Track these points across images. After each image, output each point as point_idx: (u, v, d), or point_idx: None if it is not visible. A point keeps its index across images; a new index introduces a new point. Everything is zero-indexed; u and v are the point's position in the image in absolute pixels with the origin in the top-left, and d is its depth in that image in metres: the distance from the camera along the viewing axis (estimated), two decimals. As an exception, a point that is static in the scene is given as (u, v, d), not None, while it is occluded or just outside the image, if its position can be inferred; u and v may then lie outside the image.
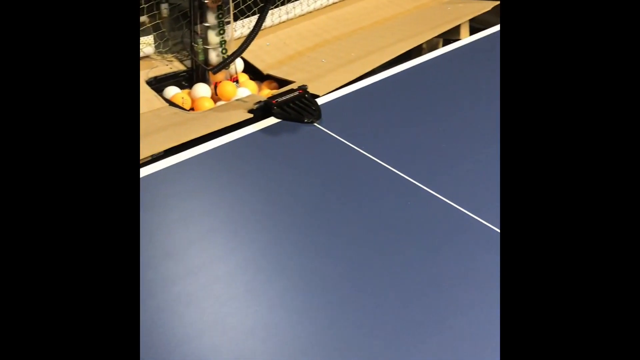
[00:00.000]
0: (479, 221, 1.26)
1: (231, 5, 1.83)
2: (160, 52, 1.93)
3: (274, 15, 2.12)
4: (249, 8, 2.06)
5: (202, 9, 1.78)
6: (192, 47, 1.84)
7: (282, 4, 2.17)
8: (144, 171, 1.40)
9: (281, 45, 2.05)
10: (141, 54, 1.85)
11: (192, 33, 1.81)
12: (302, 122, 1.58)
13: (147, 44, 1.87)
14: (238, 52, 1.78)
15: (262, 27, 2.04)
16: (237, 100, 1.78)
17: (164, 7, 1.89)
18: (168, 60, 1.95)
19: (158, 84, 1.85)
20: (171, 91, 1.84)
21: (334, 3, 2.28)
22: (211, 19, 1.79)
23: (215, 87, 1.85)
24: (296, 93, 1.66)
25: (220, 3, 1.77)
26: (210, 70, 1.82)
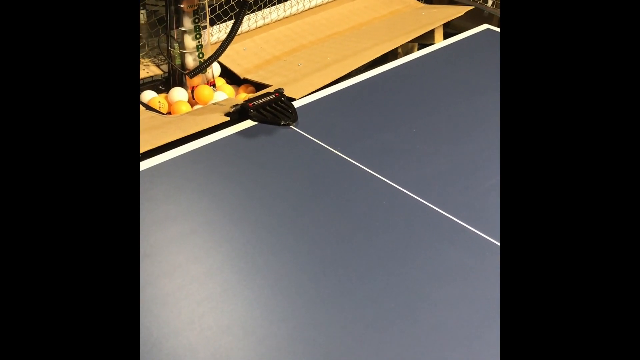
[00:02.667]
0: (452, 220, 1.29)
1: (207, 10, 1.84)
2: (136, 57, 1.93)
3: (251, 20, 2.14)
4: (225, 13, 2.08)
5: (179, 14, 1.79)
6: (168, 52, 1.85)
7: (259, 9, 2.19)
8: (121, 174, 1.40)
9: (258, 50, 2.07)
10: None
11: (169, 37, 1.82)
12: (279, 124, 1.60)
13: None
14: (214, 57, 1.79)
15: (239, 32, 2.05)
16: (213, 103, 1.79)
17: (141, 12, 1.90)
18: (145, 65, 1.95)
19: (135, 88, 1.85)
20: (148, 95, 1.85)
21: (310, 8, 2.31)
22: (187, 23, 1.80)
23: (193, 91, 1.86)
24: (272, 96, 1.67)
25: (196, 8, 1.78)
26: (187, 74, 1.83)
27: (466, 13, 2.30)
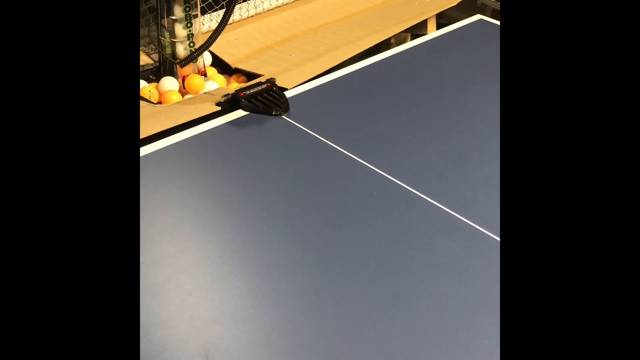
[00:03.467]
0: (444, 210, 1.29)
1: (198, -2, 1.82)
2: (127, 46, 1.91)
3: (242, 10, 2.12)
4: (216, 1, 2.06)
5: (169, 3, 1.77)
6: (159, 41, 1.83)
7: (251, -2, 2.17)
8: (110, 164, 1.39)
9: (249, 39, 2.05)
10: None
11: (159, 26, 1.80)
12: (270, 114, 1.59)
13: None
14: (206, 46, 1.77)
15: (230, 21, 2.03)
16: (204, 93, 1.77)
17: (131, 0, 1.88)
18: (135, 54, 1.93)
19: (125, 77, 1.83)
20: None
21: (302, -3, 2.29)
22: (178, 12, 1.78)
23: (183, 80, 1.84)
24: (264, 86, 1.66)
25: (187, -4, 1.77)
26: (178, 63, 1.81)
27: (459, 3, 2.28)
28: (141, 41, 1.96)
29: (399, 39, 2.24)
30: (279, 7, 2.22)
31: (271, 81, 1.69)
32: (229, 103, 1.62)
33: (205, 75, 1.89)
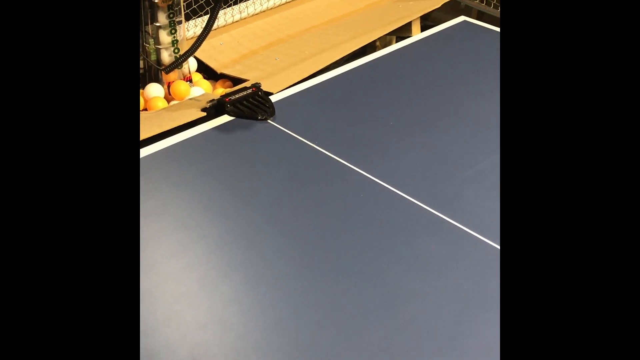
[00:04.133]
0: (430, 211, 1.29)
1: (182, 4, 1.82)
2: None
3: (227, 15, 2.12)
4: (201, 7, 2.06)
5: (153, 9, 1.77)
6: (143, 47, 1.83)
7: (235, 3, 2.17)
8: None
9: (235, 45, 2.05)
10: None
11: (144, 33, 1.80)
12: (256, 119, 1.59)
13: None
14: (190, 52, 1.77)
15: (215, 26, 2.04)
16: (190, 99, 1.77)
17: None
18: (120, 61, 1.93)
19: (110, 84, 1.83)
20: (123, 92, 1.82)
21: (287, 2, 2.30)
22: (162, 18, 1.78)
23: (169, 86, 1.84)
24: (249, 91, 1.66)
25: (170, 2, 1.76)
26: (163, 70, 1.81)
27: (443, 5, 2.30)
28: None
29: (384, 41, 2.25)
30: (263, 11, 2.22)
31: (256, 86, 1.69)
32: (214, 108, 1.62)
33: (190, 81, 1.89)
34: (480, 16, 2.44)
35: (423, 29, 2.22)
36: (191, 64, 1.92)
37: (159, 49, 1.81)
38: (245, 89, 1.68)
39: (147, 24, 1.79)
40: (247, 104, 1.62)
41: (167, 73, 1.81)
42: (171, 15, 1.78)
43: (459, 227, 1.25)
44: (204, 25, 1.75)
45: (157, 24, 1.78)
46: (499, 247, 1.20)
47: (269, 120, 1.59)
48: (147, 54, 1.83)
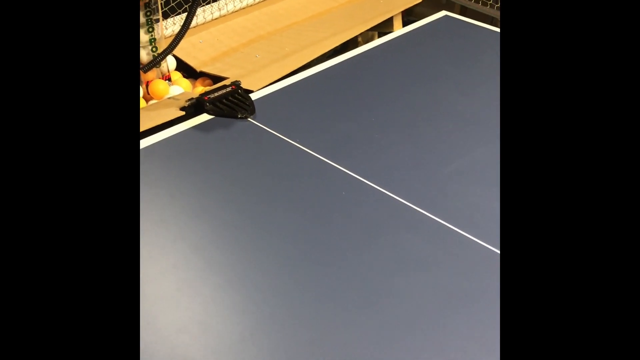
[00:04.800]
0: (412, 208, 1.28)
1: (160, 2, 1.79)
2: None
3: (206, 12, 2.10)
4: (179, 5, 2.03)
5: (130, 7, 1.74)
6: (121, 46, 1.80)
7: (214, 0, 2.15)
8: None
9: (214, 42, 2.03)
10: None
11: (121, 31, 1.77)
12: (236, 117, 1.57)
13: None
14: (168, 50, 1.74)
15: (195, 24, 2.01)
16: (169, 98, 1.75)
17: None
18: (97, 60, 1.90)
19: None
20: (101, 92, 1.79)
21: (267, -1, 2.27)
22: (139, 17, 1.75)
23: (147, 86, 1.81)
24: (229, 89, 1.64)
25: (147, 1, 1.73)
26: (141, 69, 1.78)
27: (424, 0, 2.29)
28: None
29: (367, 37, 2.23)
30: (243, 8, 2.20)
31: (236, 84, 1.67)
32: (193, 107, 1.60)
33: (169, 79, 1.86)
34: (464, 11, 2.43)
35: (405, 24, 2.21)
36: (170, 62, 1.89)
37: (137, 47, 1.78)
38: (224, 87, 1.65)
39: (124, 22, 1.76)
40: (227, 102, 1.60)
41: (145, 72, 1.78)
42: (148, 14, 1.75)
43: (442, 224, 1.24)
44: (182, 23, 1.73)
45: (134, 22, 1.75)
46: (482, 244, 1.19)
47: (249, 119, 1.57)
48: (125, 53, 1.80)
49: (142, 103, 1.76)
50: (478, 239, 1.20)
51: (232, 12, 2.16)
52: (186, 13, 1.77)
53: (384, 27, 2.18)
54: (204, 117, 1.57)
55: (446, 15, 2.17)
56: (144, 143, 1.48)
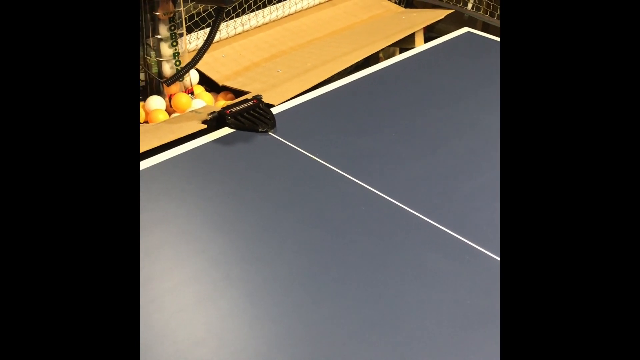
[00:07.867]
0: (432, 224, 1.27)
1: (184, 17, 1.82)
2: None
3: (229, 27, 2.12)
4: (203, 20, 2.06)
5: (154, 22, 1.76)
6: (145, 60, 1.82)
7: (238, 15, 2.17)
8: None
9: (237, 57, 2.05)
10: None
11: (145, 45, 1.80)
12: (257, 131, 1.57)
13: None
14: (191, 64, 1.76)
15: (218, 39, 2.03)
16: (191, 111, 1.76)
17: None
18: (122, 74, 1.92)
19: (111, 97, 1.82)
20: (125, 104, 1.82)
21: (289, 15, 2.29)
22: (163, 31, 1.77)
23: (170, 99, 1.83)
24: (250, 103, 1.65)
25: (172, 15, 1.76)
26: (164, 82, 1.80)
27: (447, 17, 2.29)
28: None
29: (388, 53, 2.24)
30: (266, 24, 2.22)
31: (257, 98, 1.68)
32: (215, 121, 1.61)
33: (192, 93, 1.88)
34: (486, 28, 2.42)
35: (426, 40, 2.20)
36: (193, 76, 1.91)
37: (161, 61, 1.80)
38: (246, 101, 1.66)
39: (148, 37, 1.78)
40: (248, 116, 1.61)
41: (168, 85, 1.80)
42: (172, 28, 1.77)
43: (462, 240, 1.23)
44: (205, 38, 1.75)
45: (159, 37, 1.77)
46: (503, 261, 1.17)
47: (269, 132, 1.57)
48: (149, 67, 1.82)
49: (165, 116, 1.78)
50: (498, 255, 1.18)
51: (255, 28, 2.18)
52: (209, 28, 1.79)
53: (406, 43, 2.18)
54: (226, 131, 1.58)
55: (468, 32, 2.16)
56: (166, 155, 1.49)
